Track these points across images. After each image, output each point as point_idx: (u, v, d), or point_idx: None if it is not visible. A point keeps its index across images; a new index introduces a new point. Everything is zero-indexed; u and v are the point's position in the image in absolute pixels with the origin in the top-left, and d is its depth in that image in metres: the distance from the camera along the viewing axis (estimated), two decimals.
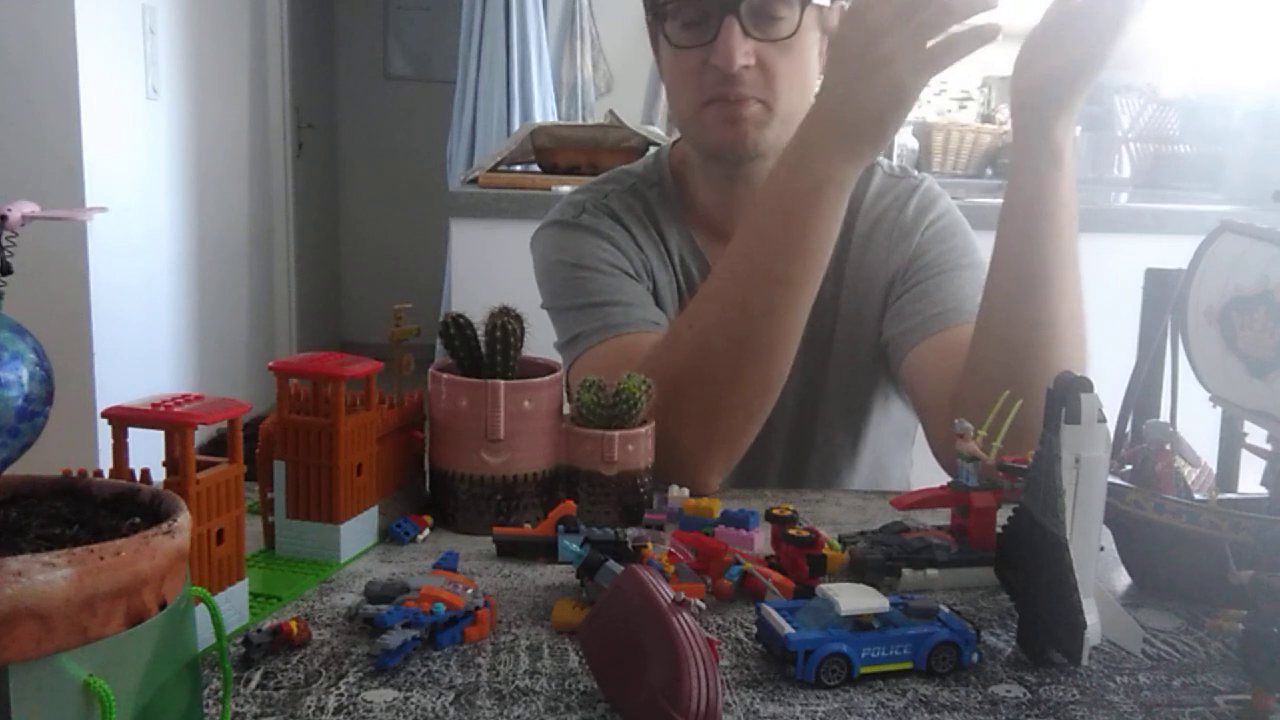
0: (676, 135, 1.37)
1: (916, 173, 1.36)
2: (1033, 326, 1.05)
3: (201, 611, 0.58)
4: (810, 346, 1.10)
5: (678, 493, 1.01)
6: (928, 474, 1.16)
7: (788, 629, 0.71)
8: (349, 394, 0.88)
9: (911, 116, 2.23)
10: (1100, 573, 0.78)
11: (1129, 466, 0.87)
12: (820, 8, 1.20)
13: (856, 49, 0.98)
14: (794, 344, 1.10)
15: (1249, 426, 0.88)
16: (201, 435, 0.69)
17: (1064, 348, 1.05)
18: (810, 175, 1.04)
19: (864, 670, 0.71)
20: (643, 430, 0.98)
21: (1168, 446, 0.86)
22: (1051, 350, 1.04)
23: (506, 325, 0.97)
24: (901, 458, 1.41)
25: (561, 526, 0.85)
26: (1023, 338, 1.05)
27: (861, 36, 0.98)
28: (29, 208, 0.58)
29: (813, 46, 1.21)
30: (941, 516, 0.94)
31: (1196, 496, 0.86)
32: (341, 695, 0.68)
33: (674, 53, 1.21)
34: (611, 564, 0.76)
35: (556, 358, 1.09)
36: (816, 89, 1.26)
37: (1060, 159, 1.04)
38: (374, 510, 0.93)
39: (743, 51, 1.14)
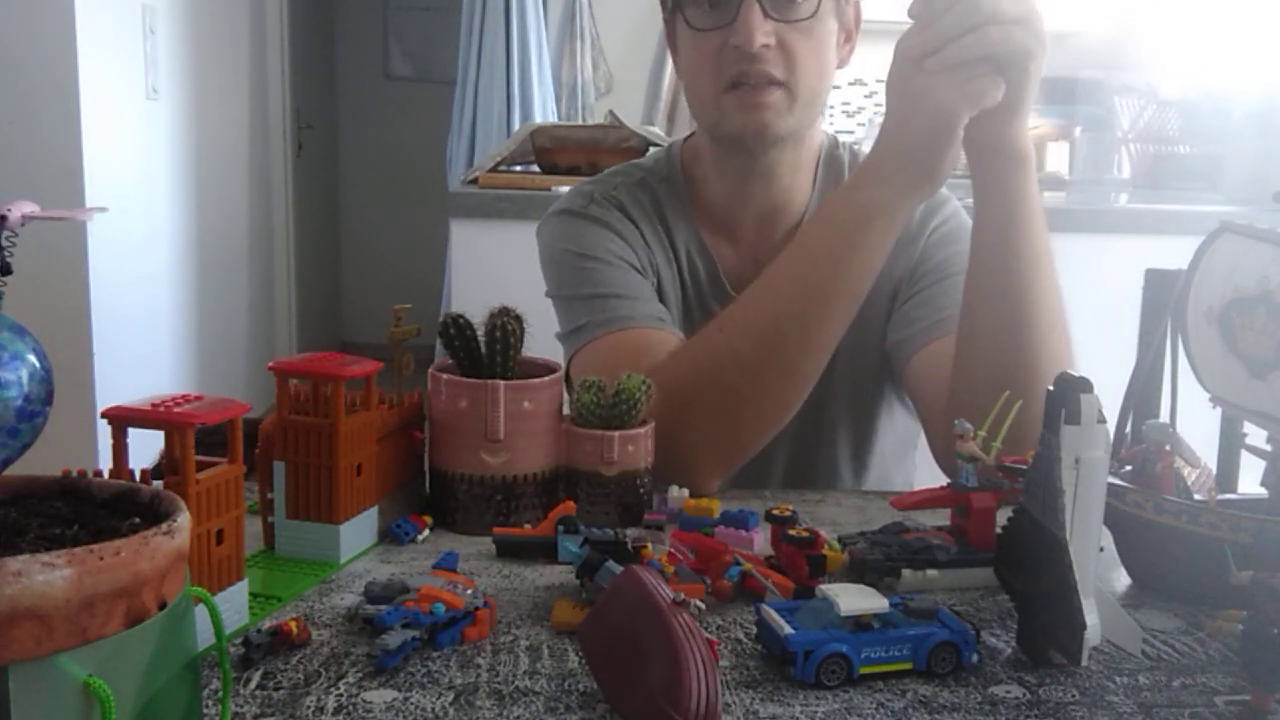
0: (676, 135, 1.36)
1: None
2: (1015, 332, 1.05)
3: (201, 611, 0.58)
4: None
5: (678, 493, 1.01)
6: (930, 478, 1.16)
7: (787, 629, 0.71)
8: (349, 394, 0.88)
9: None
10: (1100, 573, 0.78)
11: (1129, 467, 0.87)
12: None
13: (901, 80, 0.98)
14: (818, 367, 1.09)
15: (1249, 427, 0.88)
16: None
17: (1049, 349, 1.04)
18: (862, 203, 1.04)
19: (863, 671, 0.71)
20: (643, 430, 0.98)
21: (1168, 447, 0.86)
22: (1037, 353, 1.04)
23: (506, 325, 0.97)
24: (905, 463, 1.41)
25: (561, 527, 0.85)
26: (1006, 344, 1.05)
27: (904, 67, 0.98)
28: (29, 208, 0.58)
29: (831, 35, 1.20)
30: (941, 517, 0.94)
31: (1196, 497, 0.86)
32: (341, 695, 0.68)
33: (693, 36, 1.20)
34: (611, 564, 0.76)
35: (556, 357, 1.09)
36: (834, 80, 1.26)
37: (1023, 160, 1.03)
38: (374, 510, 0.93)
39: (763, 31, 1.14)
